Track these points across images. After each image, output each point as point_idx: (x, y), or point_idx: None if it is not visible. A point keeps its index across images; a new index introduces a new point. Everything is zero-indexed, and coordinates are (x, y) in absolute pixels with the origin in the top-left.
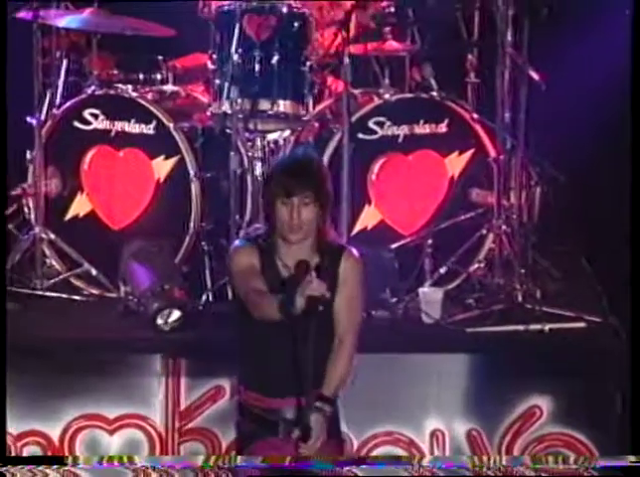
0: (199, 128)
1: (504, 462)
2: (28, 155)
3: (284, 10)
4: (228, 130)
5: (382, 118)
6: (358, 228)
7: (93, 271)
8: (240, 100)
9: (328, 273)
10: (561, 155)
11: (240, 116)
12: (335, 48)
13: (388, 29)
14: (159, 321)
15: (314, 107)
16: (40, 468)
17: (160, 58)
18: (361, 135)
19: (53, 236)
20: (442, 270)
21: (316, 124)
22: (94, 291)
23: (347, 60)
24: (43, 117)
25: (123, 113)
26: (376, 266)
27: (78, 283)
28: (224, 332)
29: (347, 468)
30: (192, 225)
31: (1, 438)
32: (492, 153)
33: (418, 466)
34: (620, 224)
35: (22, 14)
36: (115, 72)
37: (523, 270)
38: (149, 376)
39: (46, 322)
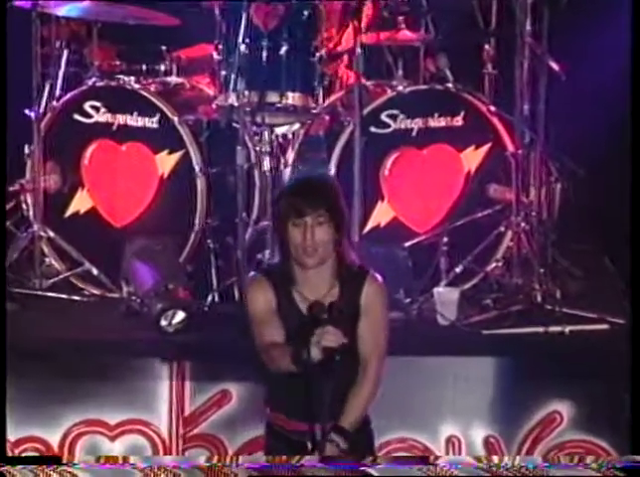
0: (204, 121)
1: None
2: (26, 149)
3: None
4: (234, 124)
5: (395, 111)
6: (370, 225)
7: (94, 271)
8: (246, 92)
9: (350, 301)
10: (582, 149)
11: (248, 109)
12: (346, 38)
13: (401, 18)
14: (163, 322)
15: (324, 100)
16: (41, 468)
17: (164, 48)
18: (373, 129)
19: (52, 233)
20: (458, 270)
21: (326, 117)
22: (95, 291)
23: (359, 50)
24: (42, 110)
25: (125, 106)
26: (389, 265)
27: (78, 283)
28: (230, 334)
29: (363, 468)
30: (197, 222)
31: (1, 438)
32: (510, 147)
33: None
34: None
35: (20, 2)
36: (117, 62)
37: (542, 270)
38: (152, 379)
39: (45, 323)
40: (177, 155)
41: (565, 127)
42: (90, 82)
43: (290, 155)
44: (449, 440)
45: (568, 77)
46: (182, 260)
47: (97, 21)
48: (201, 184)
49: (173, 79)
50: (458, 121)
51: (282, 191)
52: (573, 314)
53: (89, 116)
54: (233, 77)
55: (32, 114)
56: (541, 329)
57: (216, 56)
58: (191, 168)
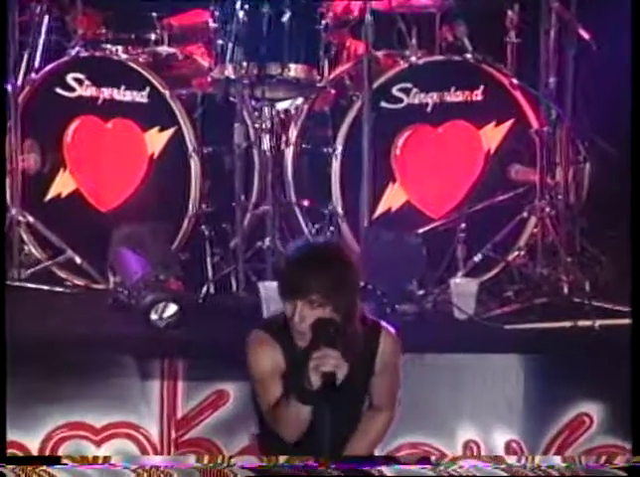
0: (198, 96)
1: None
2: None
3: None
4: (231, 98)
5: (408, 84)
6: (380, 209)
7: (78, 259)
8: (245, 64)
9: (363, 359)
10: (614, 127)
11: (246, 82)
12: (355, 4)
13: None
14: (153, 316)
15: (330, 72)
16: (42, 467)
17: (154, 15)
18: (384, 104)
19: (31, 218)
20: (477, 259)
21: (332, 91)
22: (79, 282)
23: (369, 17)
24: (19, 83)
25: (112, 79)
26: (401, 254)
27: (60, 273)
28: (226, 329)
29: (377, 468)
30: (190, 206)
31: (1, 438)
32: (534, 124)
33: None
34: None
35: None
36: (103, 30)
37: (569, 259)
38: (142, 379)
39: (23, 317)
40: (168, 133)
41: (596, 102)
42: (74, 53)
43: (292, 133)
44: (467, 445)
45: (599, 46)
46: (174, 248)
47: None
48: (195, 164)
49: (164, 50)
50: (477, 96)
51: (285, 255)
52: (604, 307)
53: (72, 90)
54: (230, 46)
55: (9, 87)
56: (568, 324)
57: (211, 23)
58: (184, 147)
